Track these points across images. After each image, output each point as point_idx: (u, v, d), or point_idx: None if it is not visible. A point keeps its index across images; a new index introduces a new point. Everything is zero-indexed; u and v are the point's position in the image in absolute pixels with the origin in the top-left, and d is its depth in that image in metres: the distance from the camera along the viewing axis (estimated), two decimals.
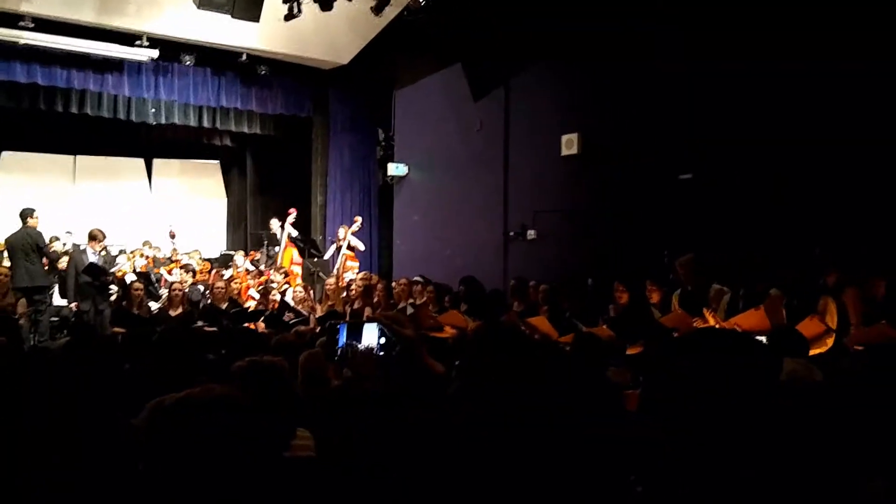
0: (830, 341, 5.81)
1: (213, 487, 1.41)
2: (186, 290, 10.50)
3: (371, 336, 1.95)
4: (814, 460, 2.23)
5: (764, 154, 8.20)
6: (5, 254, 13.61)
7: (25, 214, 10.32)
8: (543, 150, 11.06)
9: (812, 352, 5.14)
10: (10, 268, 10.03)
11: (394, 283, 9.92)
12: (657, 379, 2.45)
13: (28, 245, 10.12)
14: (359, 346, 1.94)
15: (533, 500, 1.64)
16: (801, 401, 2.87)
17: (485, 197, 12.14)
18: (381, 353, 1.93)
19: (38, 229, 10.44)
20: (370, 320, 1.97)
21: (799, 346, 4.37)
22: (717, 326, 6.33)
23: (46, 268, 10.59)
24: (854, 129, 7.47)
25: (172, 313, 9.48)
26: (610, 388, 3.75)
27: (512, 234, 11.64)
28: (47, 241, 11.15)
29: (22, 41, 12.32)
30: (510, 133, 11.85)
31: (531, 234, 11.36)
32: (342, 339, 1.93)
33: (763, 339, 5.32)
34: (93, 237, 10.20)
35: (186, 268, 11.87)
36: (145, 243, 15.06)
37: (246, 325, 8.76)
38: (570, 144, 10.65)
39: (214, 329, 8.28)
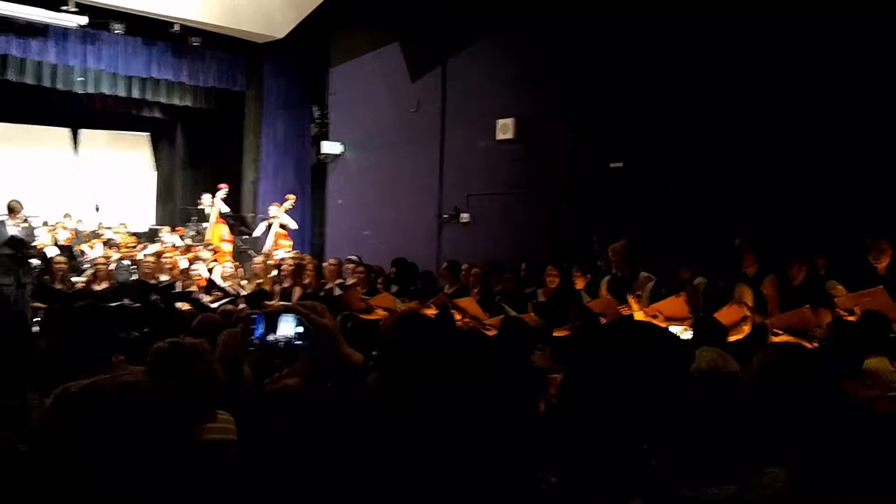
0: (748, 328, 5.98)
1: (118, 475, 1.39)
2: (111, 266, 10.26)
3: (288, 326, 1.92)
4: (721, 447, 2.30)
5: (690, 145, 8.39)
6: None
7: None
8: (479, 133, 11.09)
9: (730, 338, 5.29)
10: None
11: (324, 263, 9.84)
12: (575, 368, 2.49)
13: None
14: (275, 336, 1.89)
15: (446, 494, 1.66)
16: (714, 390, 2.96)
17: (419, 178, 12.12)
18: (299, 343, 1.90)
19: None
20: (287, 310, 1.93)
21: (717, 334, 4.50)
22: (640, 312, 6.48)
23: None
24: (775, 119, 7.69)
25: (97, 288, 9.25)
26: (534, 374, 3.79)
27: (446, 216, 11.67)
28: None
29: None
30: (447, 115, 11.85)
31: (465, 216, 11.40)
32: (259, 329, 1.89)
33: (680, 329, 5.48)
34: (11, 209, 9.81)
35: (109, 243, 11.57)
36: (66, 216, 14.61)
37: (176, 303, 8.61)
38: (505, 129, 10.71)
39: (138, 305, 8.11)
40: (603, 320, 6.27)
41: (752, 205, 7.74)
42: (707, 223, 7.98)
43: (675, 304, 6.37)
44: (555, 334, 6.17)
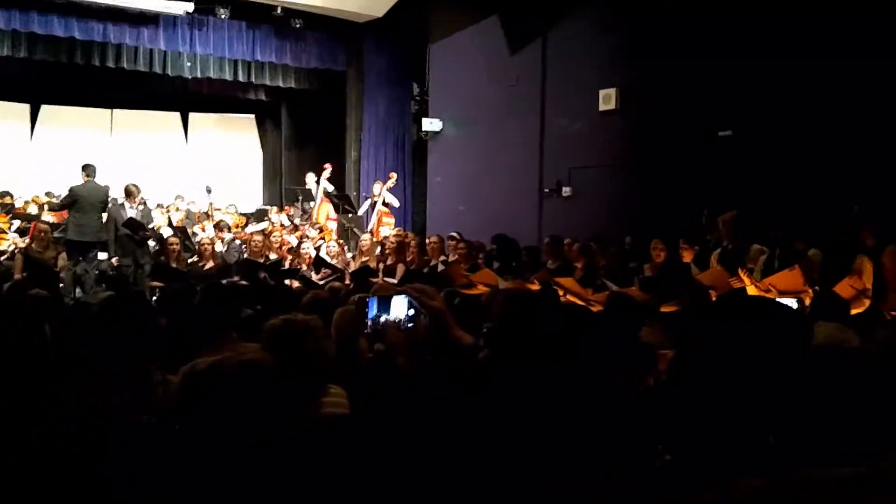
0: (868, 302, 5.73)
1: (244, 448, 1.44)
2: (223, 248, 10.63)
3: (400, 308, 1.95)
4: (841, 424, 2.21)
5: (804, 110, 8.03)
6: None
7: (94, 170, 10.25)
8: (580, 105, 10.92)
9: (851, 312, 5.08)
10: (66, 219, 9.95)
11: (427, 240, 9.92)
12: (688, 342, 2.43)
13: (100, 200, 10.12)
14: (388, 318, 1.93)
15: (557, 470, 1.65)
16: (834, 365, 2.85)
17: (520, 153, 12.03)
18: (410, 326, 1.93)
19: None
20: (399, 292, 1.96)
21: (837, 309, 4.32)
22: (752, 286, 6.27)
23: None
24: (892, 81, 7.29)
25: (204, 267, 9.61)
26: (643, 349, 3.73)
27: (547, 190, 11.56)
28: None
29: None
30: (547, 87, 11.71)
31: (566, 190, 11.27)
32: (372, 311, 1.93)
33: (792, 301, 5.27)
34: (128, 193, 10.26)
35: (219, 224, 11.97)
36: (178, 197, 15.22)
37: (285, 280, 8.84)
38: (607, 99, 10.52)
39: (247, 283, 8.36)
40: (713, 294, 6.10)
41: (869, 172, 7.38)
42: (822, 191, 7.65)
43: (790, 277, 6.13)
44: (662, 310, 6.04)
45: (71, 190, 10.13)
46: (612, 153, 10.51)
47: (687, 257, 7.50)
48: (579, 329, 2.41)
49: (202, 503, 1.44)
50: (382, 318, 1.92)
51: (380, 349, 1.89)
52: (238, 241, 11.56)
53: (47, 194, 14.45)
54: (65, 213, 10.75)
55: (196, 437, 1.49)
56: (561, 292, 7.01)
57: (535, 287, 7.02)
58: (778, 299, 5.50)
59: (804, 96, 8.03)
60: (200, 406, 1.48)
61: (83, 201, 9.91)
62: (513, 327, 2.04)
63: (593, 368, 1.99)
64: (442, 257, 9.22)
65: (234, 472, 1.41)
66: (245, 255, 10.45)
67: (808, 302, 5.39)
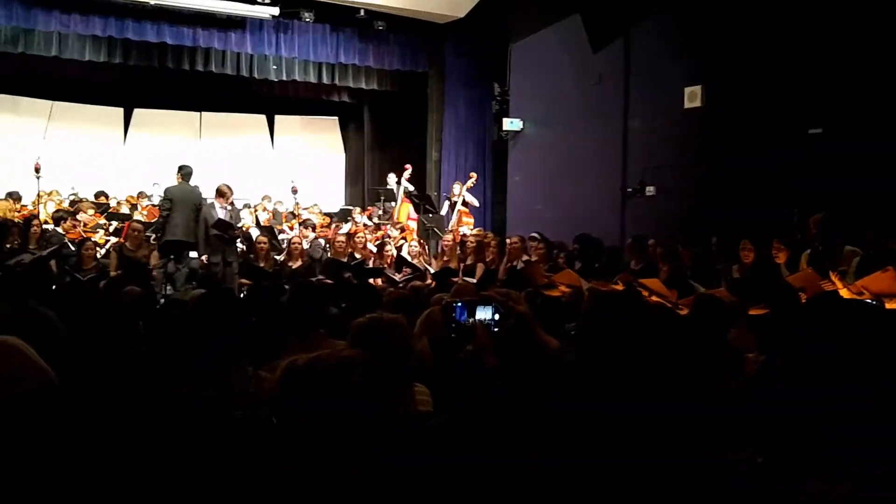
0: None
1: (341, 444, 1.48)
2: (307, 246, 10.84)
3: (485, 313, 1.98)
4: None
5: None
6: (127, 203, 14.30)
7: (189, 172, 10.57)
8: (665, 103, 10.74)
9: None
10: (166, 219, 10.25)
11: (508, 240, 9.91)
12: (781, 346, 2.39)
13: (193, 201, 10.39)
14: (476, 319, 1.96)
15: (647, 473, 1.65)
16: None
17: (602, 152, 11.91)
18: (496, 330, 1.96)
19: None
20: (484, 297, 1.99)
21: None
22: (844, 290, 6.07)
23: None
24: None
25: (292, 265, 9.82)
26: (731, 353, 3.67)
27: (630, 189, 11.41)
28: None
29: (153, 2, 12.85)
30: (630, 86, 11.55)
31: (650, 190, 11.10)
32: (460, 315, 1.96)
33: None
34: (220, 193, 10.52)
35: (306, 223, 12.21)
36: (265, 198, 15.57)
37: (368, 279, 8.97)
38: (693, 97, 10.32)
39: (331, 282, 8.51)
40: (803, 296, 5.92)
41: None
42: None
43: (883, 278, 5.90)
44: (751, 312, 5.89)
45: (167, 191, 10.44)
46: (698, 152, 10.31)
47: (781, 258, 7.31)
48: (665, 330, 2.38)
49: (298, 497, 1.49)
50: (471, 320, 1.95)
51: (470, 350, 1.93)
52: (321, 240, 11.77)
53: (139, 195, 14.97)
54: (156, 212, 11.07)
55: (293, 432, 1.54)
56: (645, 293, 6.91)
57: (619, 288, 6.94)
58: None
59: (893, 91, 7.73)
60: (299, 401, 1.53)
61: (177, 202, 10.19)
62: (599, 327, 2.04)
63: (682, 371, 1.97)
64: (525, 257, 9.20)
65: (331, 466, 1.45)
66: (329, 255, 10.64)
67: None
